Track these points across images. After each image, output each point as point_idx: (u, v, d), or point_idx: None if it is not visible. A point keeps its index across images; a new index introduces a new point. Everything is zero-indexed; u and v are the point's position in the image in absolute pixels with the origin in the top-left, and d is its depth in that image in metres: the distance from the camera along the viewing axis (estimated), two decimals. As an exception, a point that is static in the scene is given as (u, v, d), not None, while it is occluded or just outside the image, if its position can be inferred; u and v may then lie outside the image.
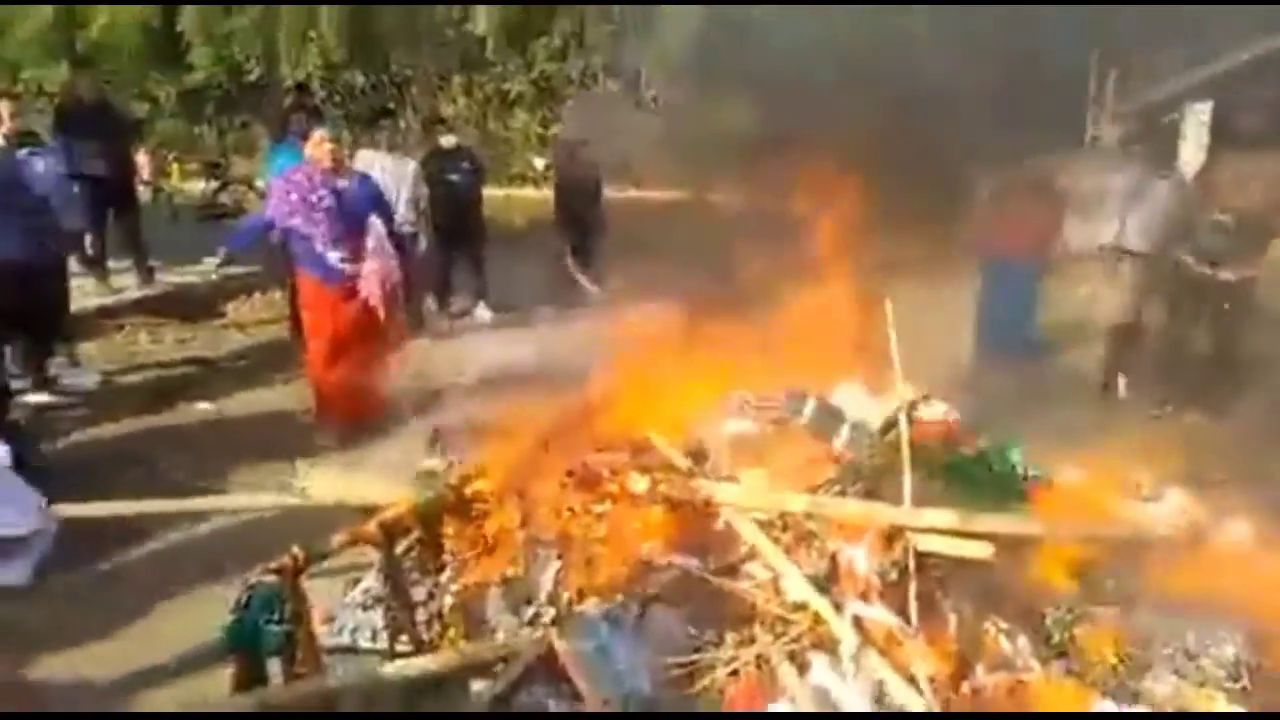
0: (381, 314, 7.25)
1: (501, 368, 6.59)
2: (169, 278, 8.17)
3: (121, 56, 20.95)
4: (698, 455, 3.73)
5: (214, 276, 5.79)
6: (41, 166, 5.78)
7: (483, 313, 8.33)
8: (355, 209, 5.47)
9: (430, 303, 8.08)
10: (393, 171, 7.36)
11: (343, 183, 5.50)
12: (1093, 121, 17.00)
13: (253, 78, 20.01)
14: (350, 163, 6.13)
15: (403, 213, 7.40)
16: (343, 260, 5.39)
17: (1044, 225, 6.64)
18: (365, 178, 5.95)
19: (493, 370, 6.58)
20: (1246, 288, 6.30)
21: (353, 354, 5.43)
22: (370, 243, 5.51)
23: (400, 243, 7.27)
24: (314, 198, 5.31)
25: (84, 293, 6.84)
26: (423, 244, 7.63)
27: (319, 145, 5.44)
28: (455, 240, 8.15)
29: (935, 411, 3.85)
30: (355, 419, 5.41)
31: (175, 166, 15.91)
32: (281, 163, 6.46)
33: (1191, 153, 14.15)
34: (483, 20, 21.86)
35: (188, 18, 21.49)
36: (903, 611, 2.98)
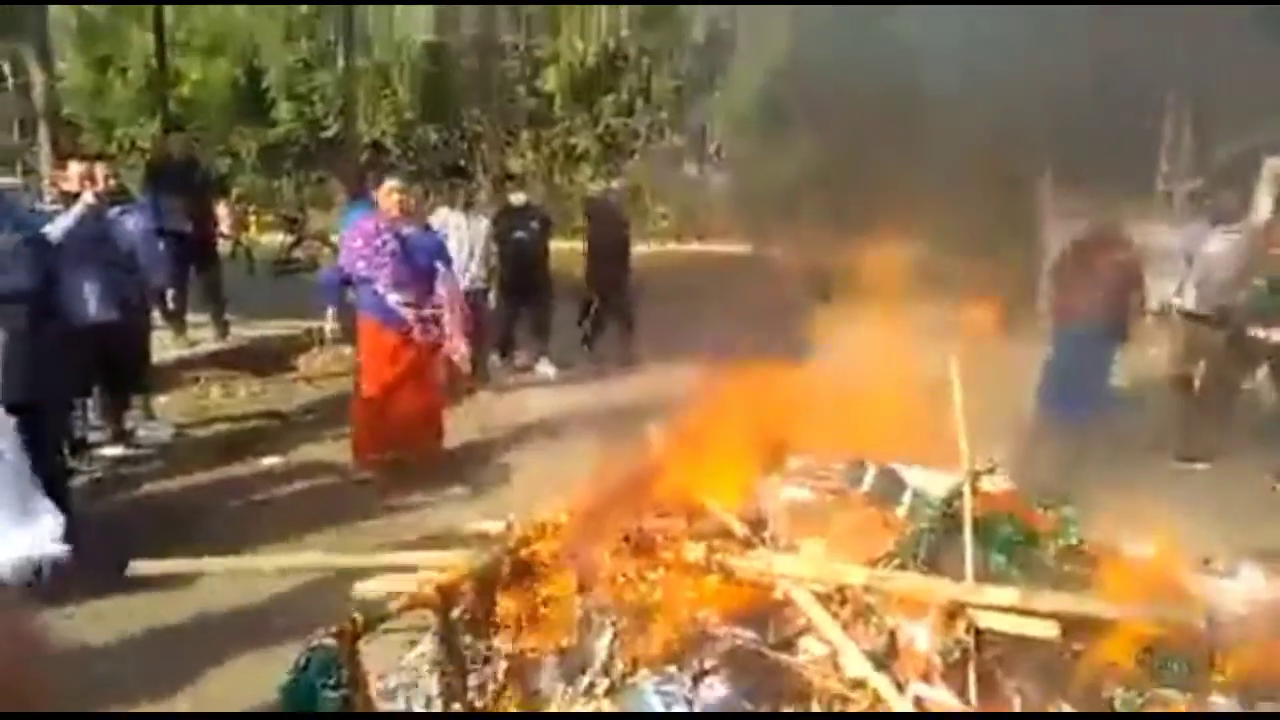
0: (448, 364, 7.55)
1: (561, 424, 6.68)
2: (244, 331, 8.42)
3: (210, 113, 21.91)
4: (755, 523, 3.70)
5: (328, 332, 6.00)
6: (131, 224, 6.06)
7: (545, 368, 8.42)
8: (418, 255, 5.62)
9: (494, 357, 8.20)
10: (466, 229, 7.57)
11: (408, 230, 5.66)
12: (1165, 175, 16.68)
13: (331, 134, 20.74)
14: (419, 213, 6.32)
15: (474, 269, 7.59)
16: (403, 304, 5.51)
17: (1122, 287, 6.33)
18: (429, 229, 6.12)
19: (552, 426, 6.67)
20: None
21: (405, 400, 5.55)
22: (443, 292, 5.66)
23: (471, 298, 7.50)
24: (379, 242, 5.48)
25: (161, 345, 7.08)
26: (491, 300, 7.78)
27: (388, 195, 5.62)
28: (521, 296, 8.29)
29: (999, 483, 3.74)
30: (399, 454, 5.51)
31: (254, 220, 16.52)
32: (355, 218, 6.65)
33: (1266, 208, 13.81)
34: (552, 78, 22.41)
35: (273, 75, 22.43)
36: (963, 692, 2.90)
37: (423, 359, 5.66)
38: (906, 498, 3.60)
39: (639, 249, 19.33)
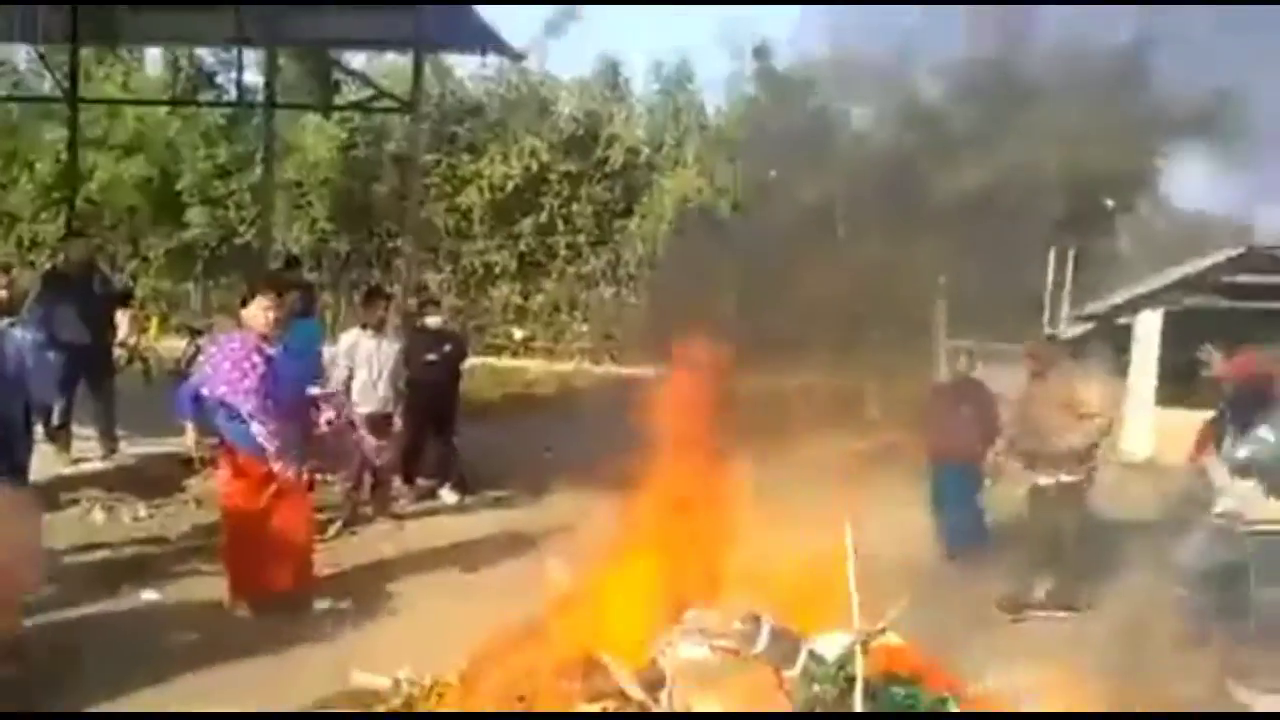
0: (348, 490, 7.36)
1: (461, 555, 6.55)
2: (133, 449, 8.10)
3: (119, 212, 21.55)
4: (652, 682, 3.65)
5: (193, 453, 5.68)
6: (19, 338, 5.81)
7: (448, 495, 8.27)
8: (287, 380, 5.32)
9: (398, 483, 8.04)
10: (376, 351, 7.48)
11: (273, 350, 5.30)
12: (1050, 320, 17.67)
13: (243, 240, 20.56)
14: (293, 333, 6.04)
15: (382, 391, 7.48)
16: (268, 435, 5.18)
17: (979, 431, 6.87)
18: (305, 351, 5.88)
19: (452, 556, 6.54)
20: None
21: (272, 534, 5.26)
22: (323, 421, 5.49)
23: (376, 421, 7.38)
24: (247, 365, 5.14)
25: (42, 462, 6.74)
26: (398, 424, 7.66)
27: (261, 311, 5.30)
28: (428, 421, 8.19)
29: (893, 642, 3.79)
30: (272, 595, 5.27)
31: (154, 322, 16.09)
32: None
33: (1143, 356, 14.74)
34: (473, 195, 22.77)
35: (187, 179, 22.23)
36: None
37: (291, 494, 5.34)
38: (801, 659, 3.61)
39: (560, 367, 19.55)
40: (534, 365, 19.42)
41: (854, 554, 3.75)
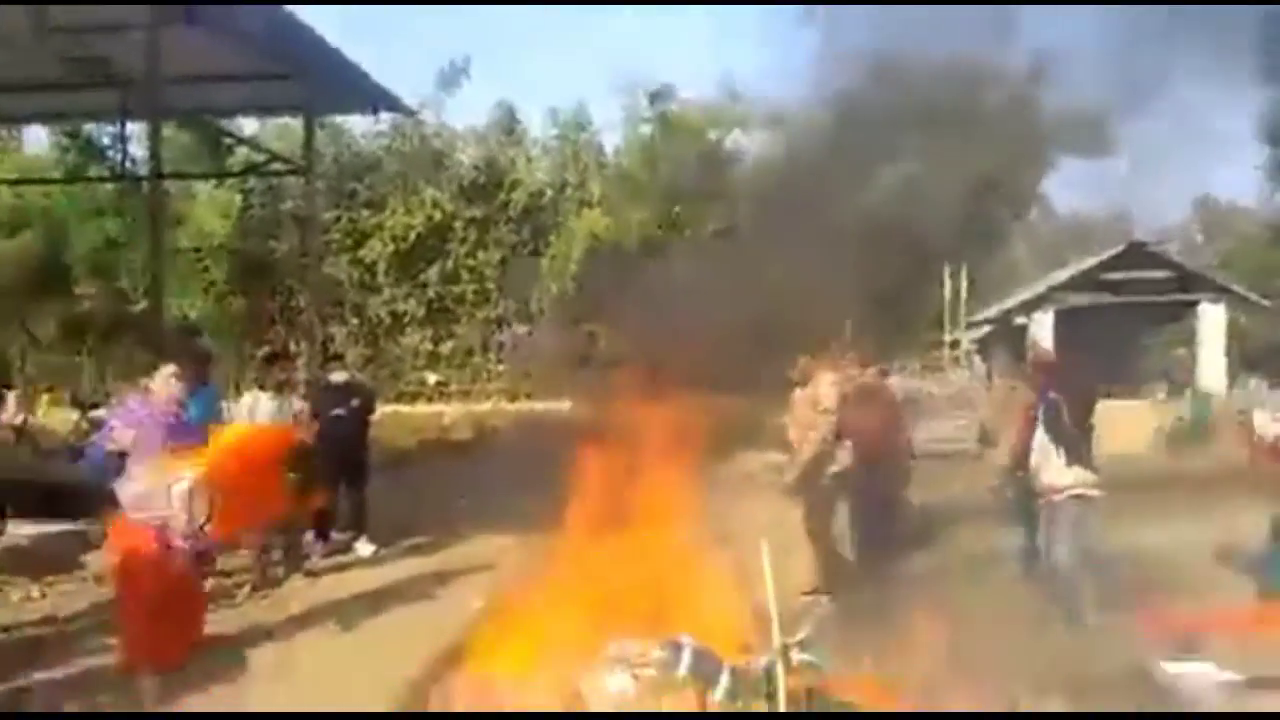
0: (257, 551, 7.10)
1: (375, 606, 6.37)
2: (23, 530, 7.70)
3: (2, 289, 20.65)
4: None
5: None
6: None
7: (363, 547, 8.04)
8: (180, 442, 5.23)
9: (310, 538, 7.79)
10: (278, 413, 7.27)
11: (174, 418, 5.33)
12: (950, 326, 18.25)
13: (138, 308, 19.90)
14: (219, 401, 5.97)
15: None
16: (140, 497, 5.05)
17: (886, 433, 6.90)
18: (206, 417, 5.79)
19: (365, 607, 6.36)
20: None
21: (158, 603, 5.03)
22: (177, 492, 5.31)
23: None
24: (145, 430, 5.16)
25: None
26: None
27: (165, 382, 5.33)
28: (340, 475, 7.98)
29: (810, 656, 3.81)
30: (161, 667, 5.01)
31: (45, 399, 15.40)
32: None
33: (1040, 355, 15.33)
34: (377, 247, 22.54)
35: (76, 252, 21.52)
36: None
37: (182, 560, 5.18)
38: (724, 679, 3.59)
39: (477, 408, 19.32)
40: (450, 409, 19.18)
41: (770, 572, 3.79)
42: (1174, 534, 6.90)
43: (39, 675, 5.26)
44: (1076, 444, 5.64)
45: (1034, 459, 5.77)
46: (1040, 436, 5.71)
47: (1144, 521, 7.00)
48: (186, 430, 5.39)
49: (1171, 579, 5.80)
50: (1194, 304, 17.10)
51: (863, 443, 6.55)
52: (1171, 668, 4.55)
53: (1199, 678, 4.52)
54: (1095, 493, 5.64)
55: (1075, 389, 5.85)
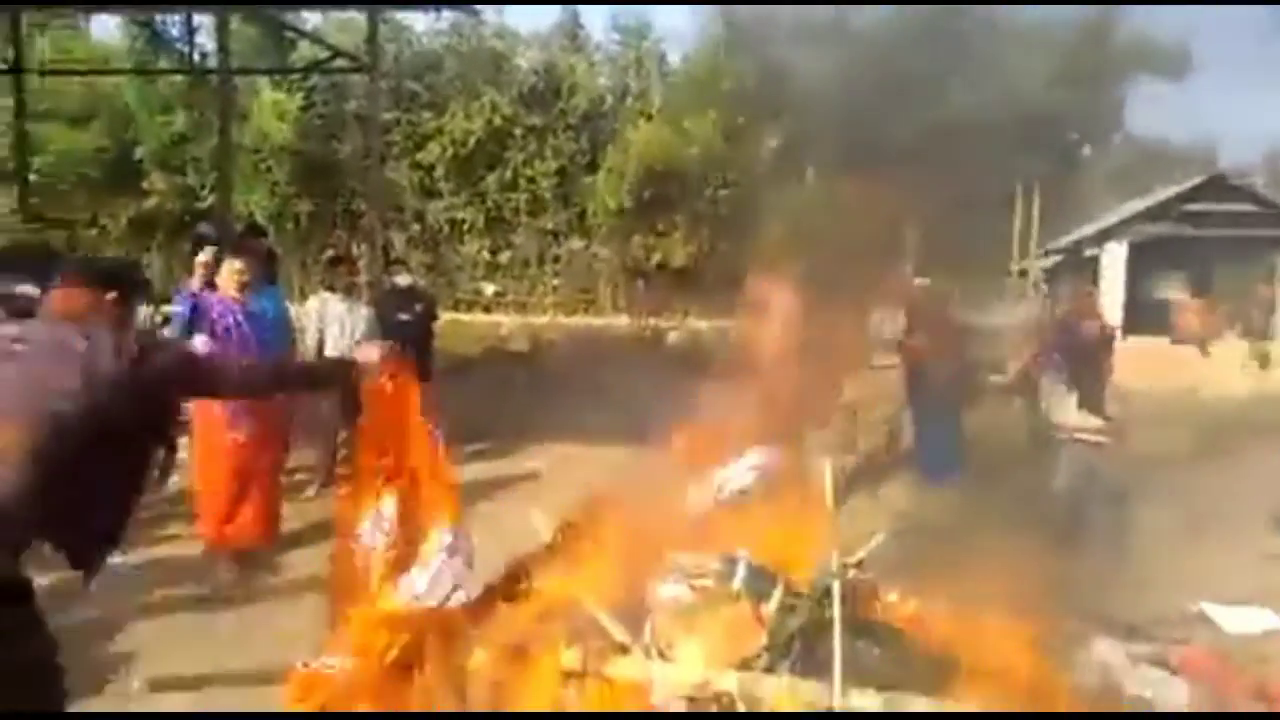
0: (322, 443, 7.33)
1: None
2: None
3: (74, 184, 21.07)
4: (635, 622, 3.70)
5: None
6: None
7: (428, 451, 8.26)
8: (260, 344, 5.42)
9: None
10: (348, 315, 7.36)
11: (250, 308, 5.51)
12: (1020, 255, 17.82)
13: (206, 204, 20.20)
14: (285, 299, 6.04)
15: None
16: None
17: (949, 358, 6.92)
18: (273, 315, 5.88)
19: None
20: None
21: (244, 488, 5.35)
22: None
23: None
24: (222, 323, 5.33)
25: None
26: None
27: (230, 275, 5.47)
28: (402, 378, 8.12)
29: (867, 578, 3.87)
30: (245, 550, 5.36)
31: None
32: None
33: (1110, 286, 14.91)
34: (436, 151, 22.49)
35: (145, 147, 21.78)
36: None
37: (261, 453, 5.44)
38: (777, 594, 3.67)
39: (536, 319, 19.44)
40: (507, 319, 19.35)
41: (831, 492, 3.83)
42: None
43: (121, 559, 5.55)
44: (1089, 387, 5.67)
45: (1043, 399, 5.86)
46: (1050, 376, 5.77)
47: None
48: (262, 324, 5.55)
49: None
50: (1278, 240, 16.45)
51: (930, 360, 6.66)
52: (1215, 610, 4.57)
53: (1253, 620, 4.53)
54: (1100, 439, 5.63)
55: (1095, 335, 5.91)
